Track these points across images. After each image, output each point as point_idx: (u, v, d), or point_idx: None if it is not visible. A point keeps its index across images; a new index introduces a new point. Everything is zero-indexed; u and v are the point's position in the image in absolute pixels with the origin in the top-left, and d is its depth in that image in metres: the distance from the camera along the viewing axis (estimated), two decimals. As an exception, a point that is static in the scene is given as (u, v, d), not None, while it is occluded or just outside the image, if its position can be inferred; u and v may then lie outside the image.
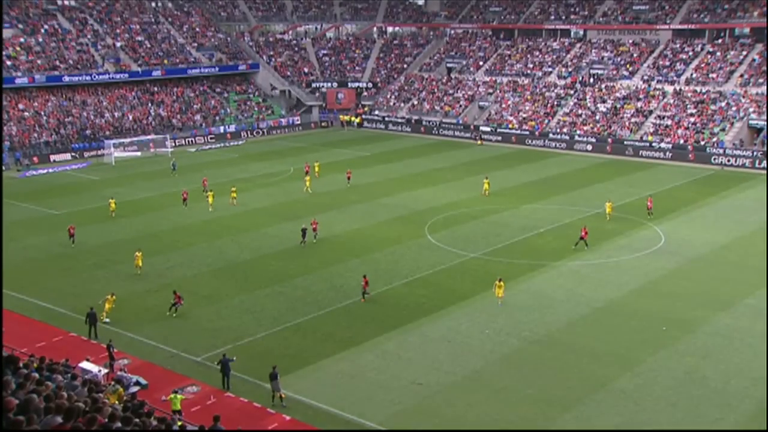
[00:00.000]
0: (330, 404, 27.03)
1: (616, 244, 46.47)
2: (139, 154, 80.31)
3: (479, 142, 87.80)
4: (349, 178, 64.30)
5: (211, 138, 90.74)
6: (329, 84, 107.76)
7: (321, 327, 34.27)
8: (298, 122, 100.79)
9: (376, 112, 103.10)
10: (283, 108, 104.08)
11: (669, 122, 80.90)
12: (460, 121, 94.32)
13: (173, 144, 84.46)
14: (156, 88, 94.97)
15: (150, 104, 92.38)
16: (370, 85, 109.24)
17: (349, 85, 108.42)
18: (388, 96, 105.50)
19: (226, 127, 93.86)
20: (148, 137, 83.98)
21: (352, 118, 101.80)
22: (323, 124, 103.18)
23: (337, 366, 30.16)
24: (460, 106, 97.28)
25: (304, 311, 36.06)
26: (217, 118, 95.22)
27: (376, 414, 26.37)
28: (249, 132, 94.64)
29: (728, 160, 73.02)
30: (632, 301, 37.10)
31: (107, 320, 34.06)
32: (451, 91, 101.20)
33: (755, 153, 72.31)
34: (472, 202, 58.12)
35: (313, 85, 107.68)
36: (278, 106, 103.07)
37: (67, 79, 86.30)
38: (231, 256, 45.12)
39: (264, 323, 34.52)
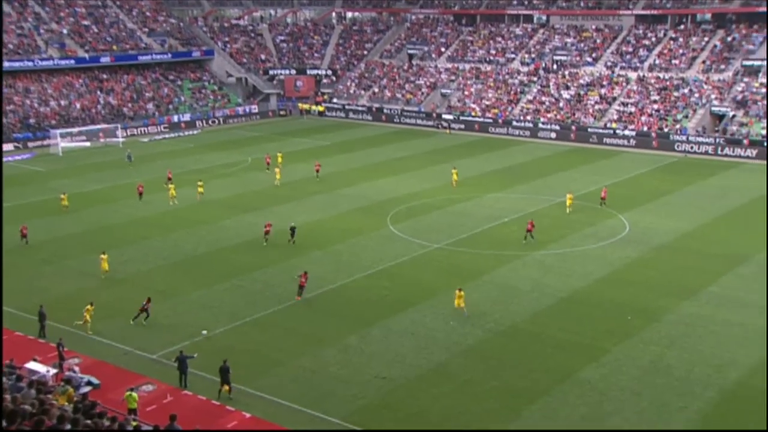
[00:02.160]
0: (291, 400, 26.97)
1: (581, 234, 47.17)
2: (88, 144, 78.73)
3: (447, 131, 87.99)
4: (317, 171, 63.16)
5: (164, 127, 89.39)
6: (287, 71, 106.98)
7: (282, 321, 34.13)
8: (256, 111, 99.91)
9: (336, 101, 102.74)
10: (240, 96, 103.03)
11: (632, 109, 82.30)
12: (422, 109, 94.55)
13: (125, 134, 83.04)
14: (105, 76, 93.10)
15: (99, 92, 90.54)
16: (329, 72, 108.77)
17: (308, 72, 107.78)
18: (348, 84, 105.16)
19: (181, 116, 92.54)
20: (98, 127, 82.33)
21: (313, 107, 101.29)
22: (281, 112, 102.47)
23: (299, 361, 30.09)
24: (422, 93, 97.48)
25: (264, 305, 35.85)
26: (171, 106, 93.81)
27: (339, 409, 26.40)
28: (204, 121, 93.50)
29: (691, 147, 74.62)
30: (597, 290, 37.73)
31: (90, 333, 32.56)
32: (412, 79, 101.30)
33: (718, 140, 74.00)
34: (435, 192, 58.37)
35: (271, 72, 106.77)
36: (234, 94, 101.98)
37: (7, 65, 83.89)
38: (187, 250, 44.61)
39: (222, 319, 34.23)
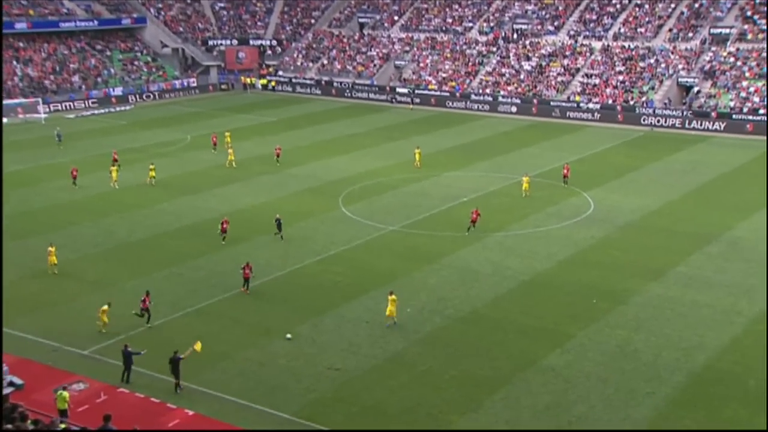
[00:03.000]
0: (238, 395, 26.80)
1: (543, 213, 47.76)
2: (5, 120, 76.41)
3: (410, 106, 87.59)
4: (278, 156, 60.93)
5: (93, 102, 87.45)
6: (228, 41, 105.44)
7: (227, 311, 33.84)
8: (195, 85, 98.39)
9: (282, 73, 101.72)
10: (177, 68, 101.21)
11: (597, 81, 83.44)
12: (375, 83, 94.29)
13: (47, 109, 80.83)
14: (21, 44, 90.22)
15: (15, 62, 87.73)
16: (274, 42, 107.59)
17: (251, 42, 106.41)
18: (295, 55, 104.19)
19: (111, 90, 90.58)
20: (15, 101, 79.96)
21: (262, 81, 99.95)
22: (223, 86, 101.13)
23: (246, 353, 29.90)
24: (375, 65, 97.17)
25: (207, 294, 35.48)
26: (100, 79, 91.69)
27: (289, 404, 26.34)
28: (138, 96, 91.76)
29: (658, 121, 76.09)
30: (561, 272, 38.30)
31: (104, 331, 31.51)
32: (364, 50, 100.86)
33: (685, 113, 75.57)
34: (390, 171, 58.40)
35: (210, 42, 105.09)
36: (171, 66, 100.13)
37: None
38: (121, 236, 43.84)
39: (162, 309, 33.77)
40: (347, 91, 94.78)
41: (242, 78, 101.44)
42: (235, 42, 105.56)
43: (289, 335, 31.22)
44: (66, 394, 24.80)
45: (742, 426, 24.87)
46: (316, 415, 25.83)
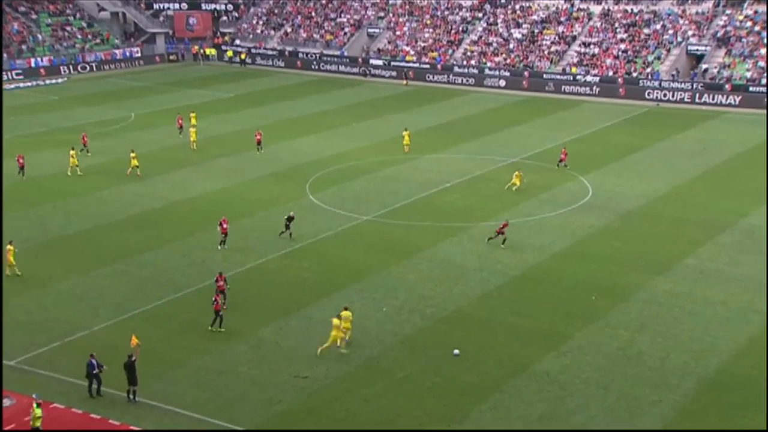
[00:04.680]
0: (192, 409, 26.72)
1: (536, 200, 48.06)
2: None
3: (405, 82, 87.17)
4: (259, 143, 58.72)
5: (17, 74, 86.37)
6: (177, 5, 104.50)
7: (179, 313, 33.72)
8: (139, 55, 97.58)
9: (239, 43, 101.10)
10: (118, 36, 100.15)
11: (596, 50, 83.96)
12: (345, 53, 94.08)
13: (-40, 83, 79.69)
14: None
15: None
16: (230, 7, 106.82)
17: (203, 6, 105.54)
18: (254, 22, 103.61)
19: (38, 60, 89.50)
20: None
21: (228, 52, 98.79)
22: (171, 57, 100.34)
23: (201, 361, 29.82)
24: (345, 34, 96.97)
25: (156, 294, 35.33)
26: (25, 47, 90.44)
27: (250, 417, 26.34)
28: (71, 67, 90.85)
29: (664, 95, 76.78)
30: (556, 266, 38.58)
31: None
32: (332, 16, 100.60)
33: (695, 85, 76.27)
34: (363, 153, 58.40)
35: (156, 6, 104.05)
36: (111, 33, 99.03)
37: None
38: (55, 228, 43.47)
39: (103, 312, 33.56)
40: (314, 63, 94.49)
41: (194, 47, 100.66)
42: (184, 6, 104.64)
43: (456, 351, 30.16)
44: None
45: (758, 435, 25.28)
46: (281, 429, 25.85)
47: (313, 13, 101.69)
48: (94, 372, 27.34)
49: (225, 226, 40.64)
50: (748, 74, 75.47)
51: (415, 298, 35.08)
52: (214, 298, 32.40)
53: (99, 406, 26.87)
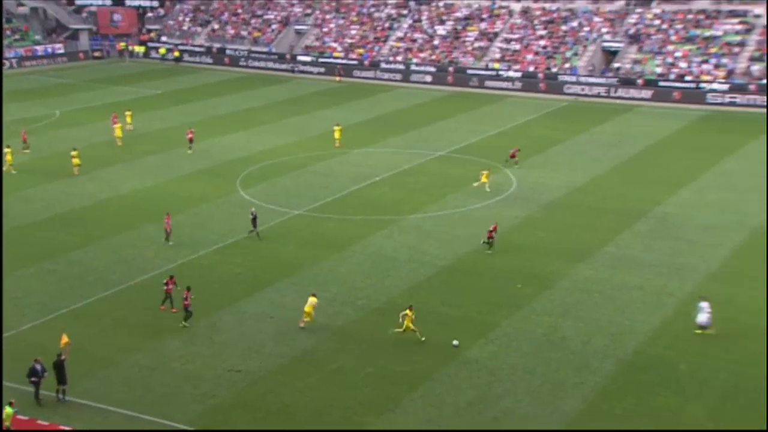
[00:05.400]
0: (124, 406, 26.25)
1: (462, 192, 48.49)
2: None
3: (338, 78, 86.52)
4: (191, 141, 57.19)
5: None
6: (99, 1, 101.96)
7: (109, 311, 33.04)
8: (61, 51, 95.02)
9: (166, 39, 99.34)
10: (39, 32, 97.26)
11: (517, 47, 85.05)
12: (273, 50, 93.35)
13: None
14: None
15: None
16: (155, 3, 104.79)
17: (127, 3, 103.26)
18: (181, 18, 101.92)
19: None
20: None
21: (161, 50, 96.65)
22: (96, 54, 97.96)
23: (133, 358, 29.30)
24: (272, 31, 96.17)
25: (84, 293, 34.56)
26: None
27: (184, 412, 25.99)
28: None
29: (582, 89, 78.22)
30: (483, 256, 39.03)
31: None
32: (259, 13, 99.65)
33: (610, 80, 77.96)
34: (293, 149, 58.10)
35: (78, 2, 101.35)
36: (31, 29, 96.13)
37: None
38: (-20, 229, 42.13)
39: (30, 312, 32.70)
40: (242, 59, 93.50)
41: (118, 44, 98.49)
42: (108, 2, 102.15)
43: (455, 342, 30.39)
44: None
45: (672, 413, 26.00)
46: (215, 423, 25.61)
47: (240, 10, 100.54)
48: (36, 378, 26.47)
49: (168, 221, 40.00)
50: (659, 70, 77.45)
51: (347, 290, 35.08)
52: (184, 295, 31.71)
53: (27, 406, 26.12)
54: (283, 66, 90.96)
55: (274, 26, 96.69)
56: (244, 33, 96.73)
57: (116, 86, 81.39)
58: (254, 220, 40.96)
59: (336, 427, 25.54)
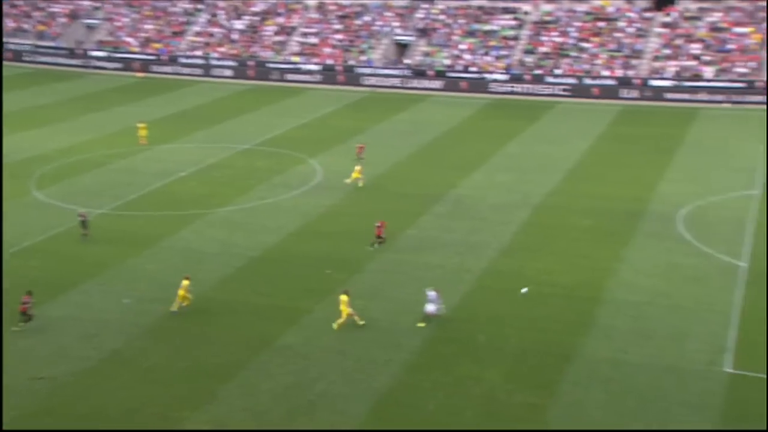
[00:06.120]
0: None
1: (269, 183, 48.36)
2: None
3: (140, 74, 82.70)
4: None
5: None
6: None
7: None
8: None
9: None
10: None
11: (315, 40, 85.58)
12: (62, 45, 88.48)
13: None
14: None
15: None
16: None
17: None
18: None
19: None
20: None
21: None
22: None
23: (-76, 375, 26.98)
24: (59, 24, 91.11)
25: None
26: None
27: (-14, 427, 24.26)
28: None
29: (379, 81, 79.98)
30: (292, 245, 39.15)
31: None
32: (42, 5, 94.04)
33: (404, 72, 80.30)
34: (92, 147, 55.71)
35: None
36: None
37: None
38: None
39: None
40: (26, 54, 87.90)
41: None
42: None
43: (525, 289, 32.86)
44: None
45: (474, 381, 27.29)
46: (20, 433, 24.11)
47: (21, 2, 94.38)
48: None
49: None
50: (447, 61, 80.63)
51: (157, 287, 34.03)
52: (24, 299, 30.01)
53: None
54: (74, 61, 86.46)
55: (60, 19, 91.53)
56: (26, 26, 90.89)
57: None
58: (84, 222, 38.93)
59: (151, 424, 24.75)
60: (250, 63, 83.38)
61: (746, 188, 47.04)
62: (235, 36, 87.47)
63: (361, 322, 30.85)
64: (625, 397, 26.12)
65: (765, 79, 70.51)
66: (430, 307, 31.12)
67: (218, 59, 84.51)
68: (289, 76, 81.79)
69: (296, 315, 31.84)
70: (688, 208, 43.66)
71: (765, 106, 66.63)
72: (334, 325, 30.63)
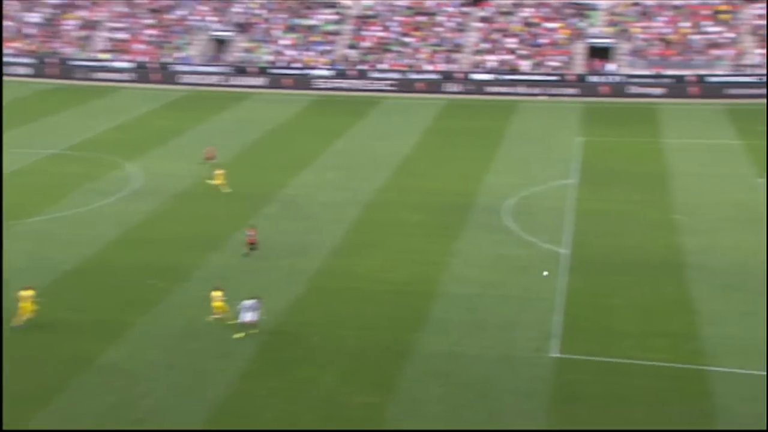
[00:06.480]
0: None
1: (82, 190, 46.52)
2: None
3: None
4: None
5: None
6: None
7: None
8: None
9: None
10: None
11: (124, 36, 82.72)
12: None
13: None
14: None
15: None
16: None
17: None
18: None
19: None
20: None
21: None
22: None
23: None
24: None
25: None
26: None
27: None
28: None
29: (198, 79, 78.40)
30: (111, 256, 37.76)
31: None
32: None
33: (225, 69, 79.17)
34: None
35: None
36: None
37: None
38: None
39: None
40: None
41: None
42: None
43: (546, 273, 34.45)
44: None
45: (311, 384, 27.36)
46: None
47: None
48: None
49: None
50: (269, 57, 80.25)
51: (-43, 309, 31.77)
52: None
53: None
54: None
55: None
56: None
57: None
58: None
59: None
60: (51, 60, 79.36)
61: (563, 178, 49.96)
62: (30, 30, 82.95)
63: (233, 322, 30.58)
64: (461, 390, 27.04)
65: (576, 72, 75.31)
66: (247, 316, 30.40)
67: (13, 56, 79.89)
68: (97, 75, 78.76)
69: (118, 329, 30.71)
70: (513, 199, 45.81)
71: (577, 98, 71.53)
72: (209, 318, 30.67)
